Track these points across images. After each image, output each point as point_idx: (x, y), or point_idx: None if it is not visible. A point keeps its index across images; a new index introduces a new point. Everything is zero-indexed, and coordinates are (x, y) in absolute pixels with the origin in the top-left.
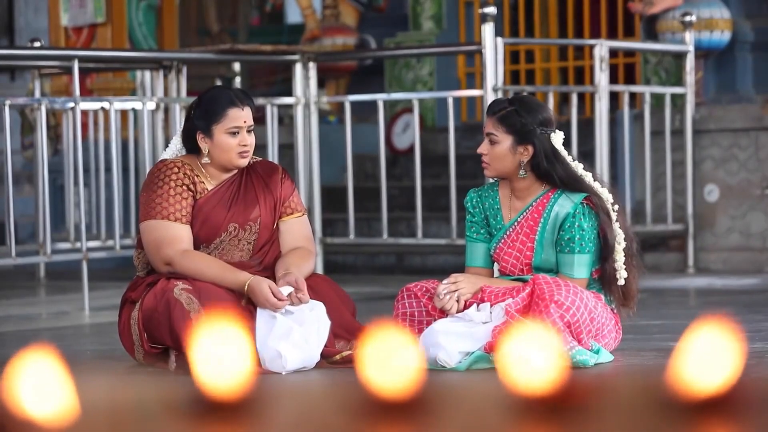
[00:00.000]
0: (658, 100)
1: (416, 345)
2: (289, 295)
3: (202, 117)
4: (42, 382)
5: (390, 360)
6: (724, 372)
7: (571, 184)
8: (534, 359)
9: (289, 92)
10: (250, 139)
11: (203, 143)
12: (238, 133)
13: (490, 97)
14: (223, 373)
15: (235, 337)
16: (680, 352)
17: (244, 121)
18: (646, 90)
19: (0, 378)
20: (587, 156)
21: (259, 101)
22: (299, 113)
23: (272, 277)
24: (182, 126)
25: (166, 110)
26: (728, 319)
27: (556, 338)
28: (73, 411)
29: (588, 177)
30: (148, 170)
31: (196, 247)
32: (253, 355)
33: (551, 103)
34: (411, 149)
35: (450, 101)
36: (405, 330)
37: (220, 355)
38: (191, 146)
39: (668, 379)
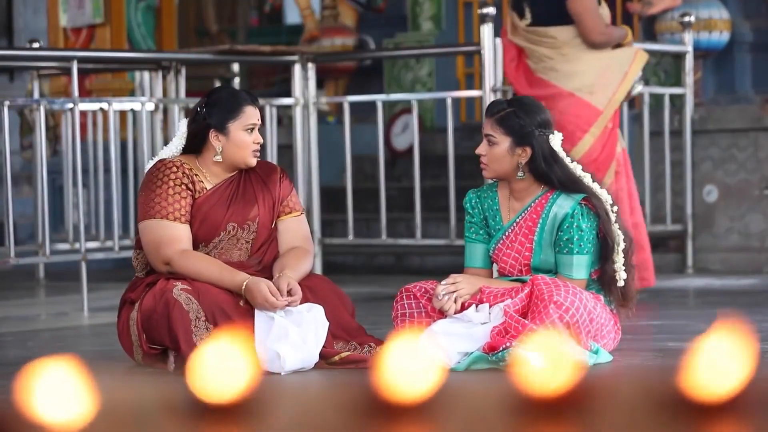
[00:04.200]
0: (656, 100)
1: (438, 352)
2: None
3: (216, 114)
4: (52, 385)
5: (408, 363)
6: (732, 375)
7: (569, 185)
8: (545, 362)
9: (288, 93)
10: (261, 139)
11: (216, 141)
12: (253, 130)
13: (489, 98)
14: (225, 375)
15: (239, 341)
16: (688, 354)
17: (258, 119)
18: (645, 90)
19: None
20: None
21: (259, 102)
22: (298, 114)
23: (271, 277)
24: (185, 127)
25: (165, 111)
26: (743, 322)
27: (569, 343)
28: (82, 413)
29: (587, 178)
30: (146, 171)
31: (195, 246)
32: (257, 361)
33: None
34: (410, 150)
35: (449, 102)
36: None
37: (224, 358)
38: (195, 147)
39: (668, 380)
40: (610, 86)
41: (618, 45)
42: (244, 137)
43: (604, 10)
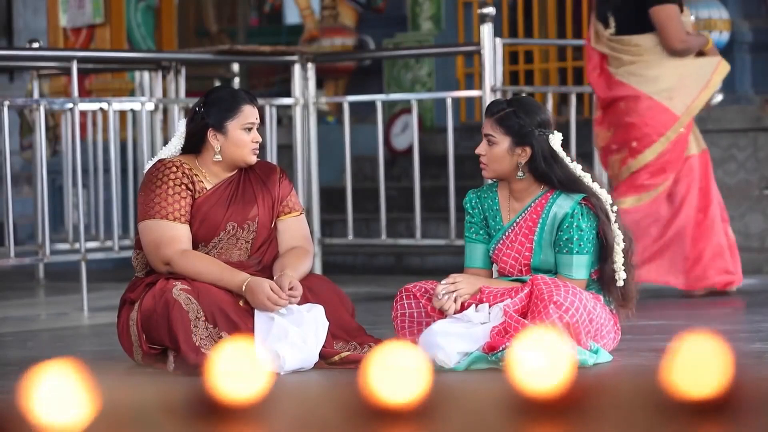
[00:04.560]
0: None
1: (425, 358)
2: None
3: (215, 114)
4: (52, 386)
5: (397, 365)
6: (718, 374)
7: (569, 185)
8: (542, 361)
9: (287, 93)
10: (259, 137)
11: (215, 140)
12: (251, 129)
13: (488, 98)
14: (237, 378)
15: (249, 344)
16: (676, 354)
17: (256, 118)
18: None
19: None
20: (586, 157)
21: (258, 102)
22: (298, 114)
23: (271, 276)
24: (185, 126)
25: (165, 111)
26: (712, 333)
27: (565, 342)
28: (82, 414)
29: (587, 178)
30: (146, 171)
31: (195, 246)
32: (269, 365)
33: (550, 103)
34: (410, 150)
35: (449, 102)
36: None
37: (235, 360)
38: (194, 146)
39: (667, 380)
40: (689, 93)
41: (701, 53)
42: (243, 136)
43: (687, 18)
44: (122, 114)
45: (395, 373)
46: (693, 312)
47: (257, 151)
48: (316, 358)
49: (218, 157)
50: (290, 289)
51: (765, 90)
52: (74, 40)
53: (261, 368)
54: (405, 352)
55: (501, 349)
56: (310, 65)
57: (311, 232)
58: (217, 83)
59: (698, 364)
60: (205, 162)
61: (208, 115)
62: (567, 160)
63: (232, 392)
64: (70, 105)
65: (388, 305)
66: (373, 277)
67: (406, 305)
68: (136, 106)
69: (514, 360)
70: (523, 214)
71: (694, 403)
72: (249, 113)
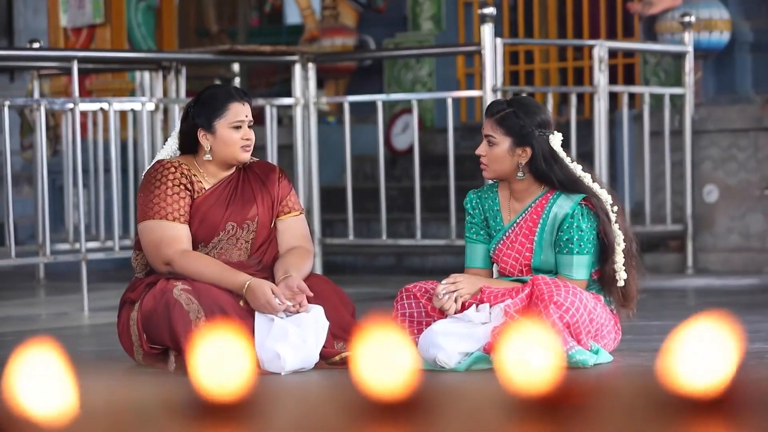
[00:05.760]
0: (657, 100)
1: (411, 345)
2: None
3: (203, 113)
4: (42, 382)
5: (385, 360)
6: (721, 370)
7: (569, 185)
8: (532, 359)
9: (288, 93)
10: (251, 134)
11: (205, 140)
12: (240, 127)
13: (489, 98)
14: (222, 375)
15: (235, 339)
16: (677, 351)
17: (246, 115)
18: (645, 90)
19: (0, 379)
20: (586, 157)
21: (259, 102)
22: (298, 114)
23: (271, 277)
24: (179, 127)
25: (165, 111)
26: (725, 317)
27: (554, 338)
28: (72, 411)
29: (587, 178)
30: (145, 172)
31: (195, 246)
32: (253, 358)
33: (550, 103)
34: (410, 150)
35: (449, 102)
36: (400, 330)
37: (220, 357)
38: (188, 146)
39: (667, 380)
40: None
41: None
42: (231, 134)
43: None
44: (123, 114)
45: (382, 368)
46: (693, 312)
47: (249, 149)
48: (317, 359)
49: (208, 157)
50: (297, 295)
51: (765, 90)
52: (74, 40)
53: (240, 358)
54: (390, 347)
55: None
56: (310, 65)
57: (311, 232)
58: (218, 83)
59: (705, 358)
60: (203, 162)
61: (198, 115)
62: (567, 160)
63: (215, 384)
64: (71, 105)
65: (388, 305)
66: (373, 277)
67: (406, 305)
68: (137, 106)
69: (507, 359)
70: (524, 215)
71: (694, 403)
72: (237, 111)
